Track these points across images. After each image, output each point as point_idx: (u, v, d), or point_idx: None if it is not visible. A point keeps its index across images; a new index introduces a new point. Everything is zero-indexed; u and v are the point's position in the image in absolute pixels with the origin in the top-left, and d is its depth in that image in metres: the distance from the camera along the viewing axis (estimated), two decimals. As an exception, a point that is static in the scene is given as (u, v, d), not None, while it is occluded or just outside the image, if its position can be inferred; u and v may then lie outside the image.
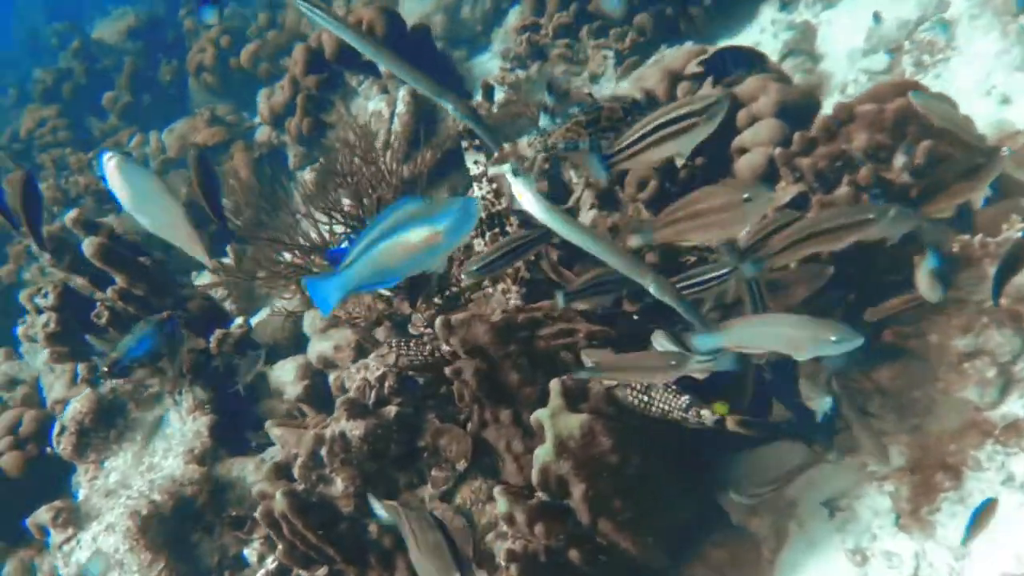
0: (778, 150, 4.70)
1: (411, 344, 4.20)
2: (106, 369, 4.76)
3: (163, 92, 13.78)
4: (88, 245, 6.05)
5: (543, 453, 3.51)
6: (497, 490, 3.59)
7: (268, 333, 6.57)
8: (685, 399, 3.78)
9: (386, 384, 4.09)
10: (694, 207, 3.15)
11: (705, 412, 3.77)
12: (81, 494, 5.67)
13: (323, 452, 3.91)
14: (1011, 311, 4.06)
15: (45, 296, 6.25)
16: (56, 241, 6.63)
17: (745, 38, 7.16)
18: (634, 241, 3.39)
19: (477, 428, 4.06)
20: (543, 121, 5.15)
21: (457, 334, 3.97)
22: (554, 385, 3.65)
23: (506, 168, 2.97)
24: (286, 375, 5.96)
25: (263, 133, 10.06)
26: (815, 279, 3.98)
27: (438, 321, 4.02)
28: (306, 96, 8.95)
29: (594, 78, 7.85)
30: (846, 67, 6.40)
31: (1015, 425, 3.93)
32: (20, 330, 6.39)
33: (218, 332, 6.13)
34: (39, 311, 6.35)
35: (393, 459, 3.98)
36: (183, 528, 5.16)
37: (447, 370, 3.99)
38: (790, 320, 3.16)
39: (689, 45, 6.16)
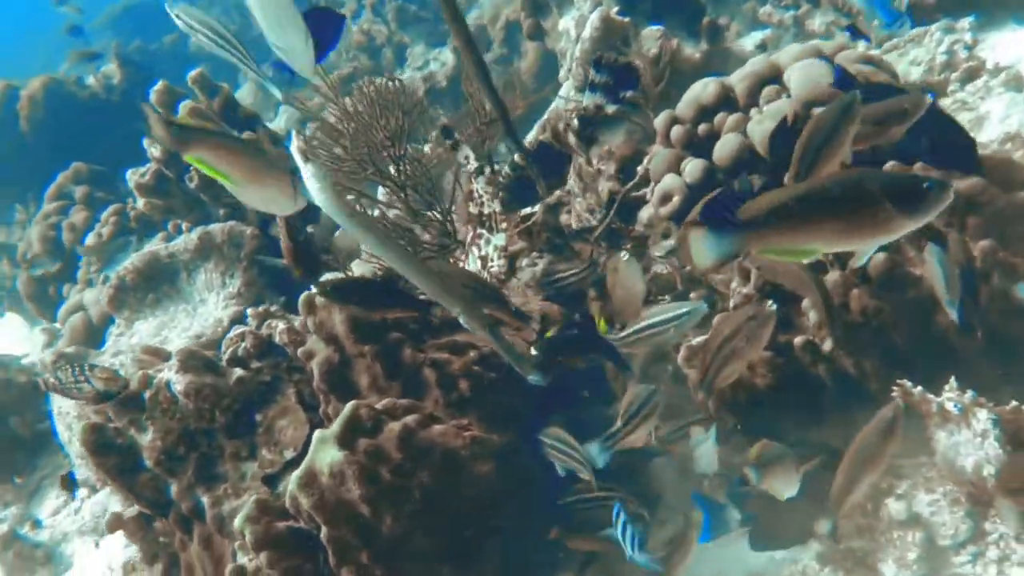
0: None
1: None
2: None
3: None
4: (184, 108, 6.08)
5: (293, 478, 3.09)
6: (252, 499, 3.23)
7: (347, 240, 6.39)
8: None
9: (243, 346, 3.76)
10: None
11: None
12: (105, 346, 5.85)
13: (147, 396, 3.67)
14: (975, 485, 3.05)
15: (155, 147, 6.39)
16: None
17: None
18: None
19: (325, 420, 3.67)
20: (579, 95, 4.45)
21: (316, 316, 3.57)
22: (348, 408, 3.18)
23: (296, 154, 2.41)
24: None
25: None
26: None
27: (303, 297, 3.63)
28: (528, -7, 8.16)
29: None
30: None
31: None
32: (128, 174, 6.58)
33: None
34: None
35: (226, 426, 3.68)
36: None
37: (299, 351, 3.61)
38: None
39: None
